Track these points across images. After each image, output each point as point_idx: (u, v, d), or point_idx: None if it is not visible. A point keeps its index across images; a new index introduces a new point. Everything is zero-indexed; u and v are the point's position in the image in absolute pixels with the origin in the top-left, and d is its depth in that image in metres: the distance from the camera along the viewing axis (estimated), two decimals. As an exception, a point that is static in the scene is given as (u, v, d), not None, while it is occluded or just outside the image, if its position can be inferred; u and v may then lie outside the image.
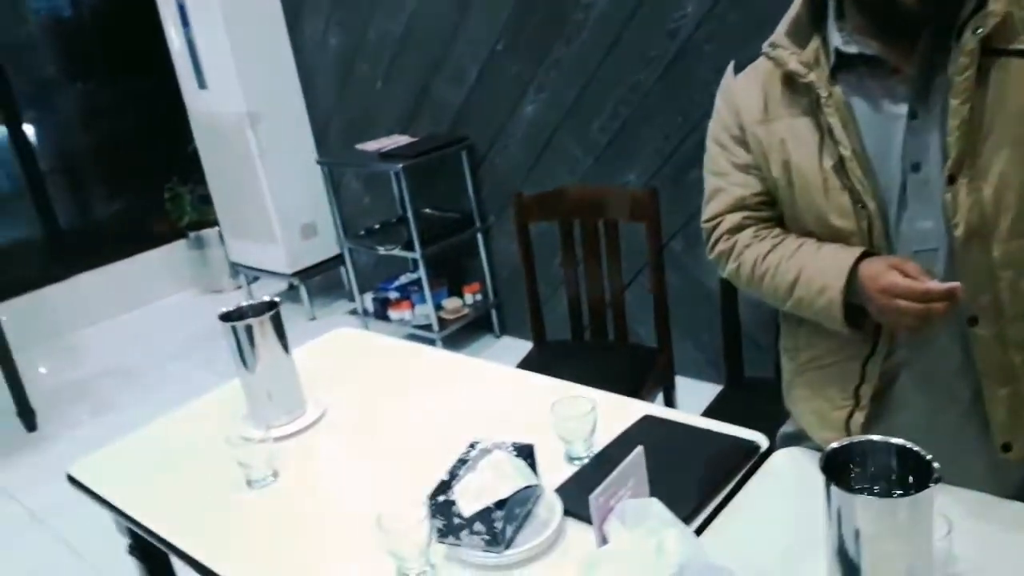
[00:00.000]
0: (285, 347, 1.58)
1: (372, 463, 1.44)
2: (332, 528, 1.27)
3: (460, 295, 3.51)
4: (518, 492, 1.12)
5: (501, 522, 1.09)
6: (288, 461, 1.46)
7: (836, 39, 1.11)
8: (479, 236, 3.44)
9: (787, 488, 1.20)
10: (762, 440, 1.30)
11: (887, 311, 1.05)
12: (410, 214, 3.21)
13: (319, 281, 4.28)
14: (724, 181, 1.28)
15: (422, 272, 3.31)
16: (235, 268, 4.60)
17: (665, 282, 2.17)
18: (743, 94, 1.23)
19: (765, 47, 1.17)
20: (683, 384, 2.40)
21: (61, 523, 2.75)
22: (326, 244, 4.21)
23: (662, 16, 2.56)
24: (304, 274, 4.13)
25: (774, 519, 1.13)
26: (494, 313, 3.58)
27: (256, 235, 4.15)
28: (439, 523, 1.11)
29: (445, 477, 1.16)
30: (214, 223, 4.78)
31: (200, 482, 1.47)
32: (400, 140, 3.41)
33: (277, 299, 1.60)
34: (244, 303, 1.60)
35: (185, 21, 3.78)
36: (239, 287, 4.76)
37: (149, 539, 1.39)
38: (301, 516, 1.32)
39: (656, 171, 2.75)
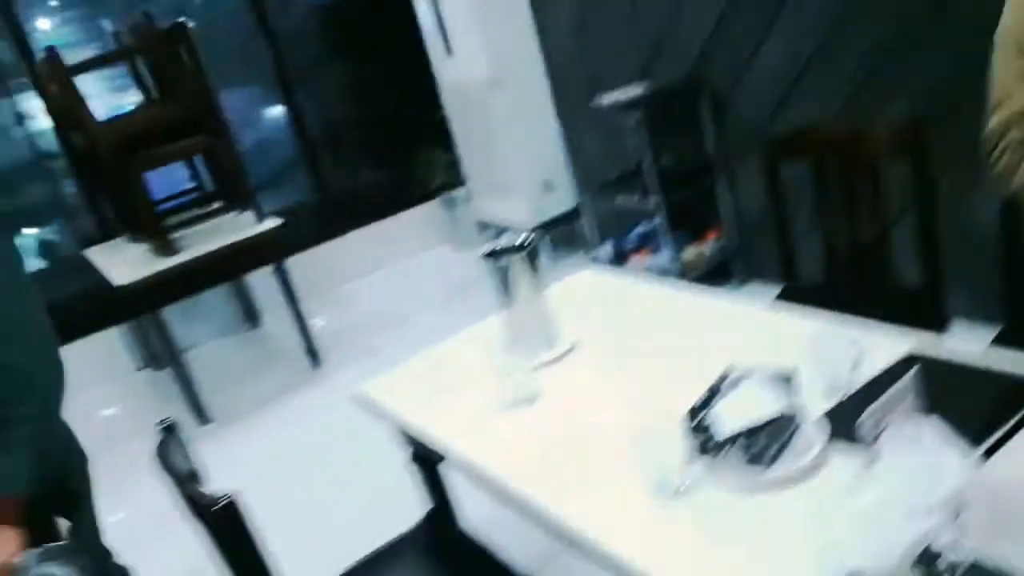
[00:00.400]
0: (539, 281, 1.68)
1: (626, 387, 1.50)
2: (593, 443, 1.35)
3: (699, 242, 3.46)
4: (778, 417, 1.12)
5: (761, 442, 1.10)
6: (545, 387, 1.56)
7: None
8: (720, 181, 3.36)
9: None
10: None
11: None
12: (648, 163, 3.21)
13: (560, 234, 4.42)
14: (1012, 89, 1.17)
15: (661, 219, 3.30)
16: (482, 225, 4.88)
17: (935, 220, 2.00)
18: None
19: None
20: (957, 327, 2.20)
21: (347, 442, 3.15)
22: (565, 198, 4.34)
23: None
24: (545, 227, 4.29)
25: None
26: (736, 260, 3.49)
27: (500, 192, 4.37)
28: (698, 439, 1.14)
29: (704, 397, 1.18)
30: (462, 184, 5.10)
31: (470, 401, 1.62)
32: (636, 89, 3.41)
33: (532, 235, 1.69)
34: (503, 243, 1.71)
35: (434, -6, 4.05)
36: (487, 242, 5.05)
37: (429, 448, 1.56)
38: (564, 433, 1.42)
39: (919, 107, 2.52)
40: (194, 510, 1.26)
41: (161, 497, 1.49)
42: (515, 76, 4.04)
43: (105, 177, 3.63)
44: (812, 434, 1.15)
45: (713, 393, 1.18)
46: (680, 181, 3.31)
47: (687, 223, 3.53)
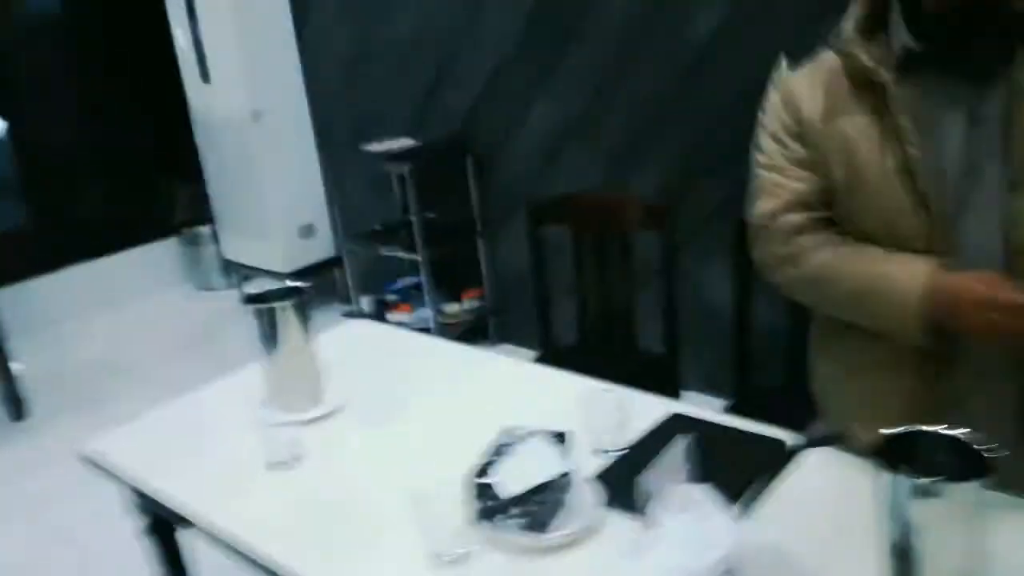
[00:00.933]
0: (308, 333, 1.58)
1: (398, 450, 1.44)
2: (360, 511, 1.27)
3: (459, 300, 3.51)
4: (557, 478, 1.13)
5: (542, 505, 1.09)
6: (311, 447, 1.45)
7: (904, 36, 1.10)
8: (480, 242, 3.45)
9: (825, 486, 1.20)
10: (788, 439, 1.31)
11: (981, 326, 1.04)
12: (414, 216, 3.22)
13: (313, 283, 4.25)
14: (781, 176, 1.24)
15: (423, 275, 3.31)
16: (228, 266, 4.57)
17: (674, 293, 2.20)
18: (803, 90, 1.21)
19: (833, 42, 1.17)
20: (688, 397, 2.41)
21: (61, 508, 2.70)
22: (323, 246, 4.20)
23: (678, 24, 2.60)
24: (300, 275, 4.11)
25: (813, 514, 1.14)
26: (491, 320, 3.59)
27: (253, 233, 4.13)
28: (479, 504, 1.11)
29: (482, 460, 1.16)
30: (207, 220, 4.76)
31: (221, 462, 1.46)
32: (406, 143, 3.42)
33: (305, 284, 1.59)
34: (269, 287, 1.59)
35: (192, 15, 3.78)
36: (232, 286, 4.74)
37: (171, 516, 1.37)
38: (328, 499, 1.32)
39: (666, 181, 2.78)
40: None
41: None
42: (277, 110, 3.87)
43: None
44: (587, 496, 1.16)
45: (493, 455, 1.17)
46: (444, 238, 3.35)
47: (448, 280, 3.57)
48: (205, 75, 3.87)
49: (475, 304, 3.52)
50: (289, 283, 1.59)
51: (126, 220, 4.82)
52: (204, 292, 4.79)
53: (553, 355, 2.36)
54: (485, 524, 1.12)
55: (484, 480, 1.12)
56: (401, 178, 3.59)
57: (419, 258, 3.29)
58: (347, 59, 3.73)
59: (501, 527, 1.11)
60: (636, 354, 2.32)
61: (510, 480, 1.11)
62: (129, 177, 4.86)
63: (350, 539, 1.21)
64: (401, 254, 3.39)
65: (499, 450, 1.17)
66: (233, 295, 4.61)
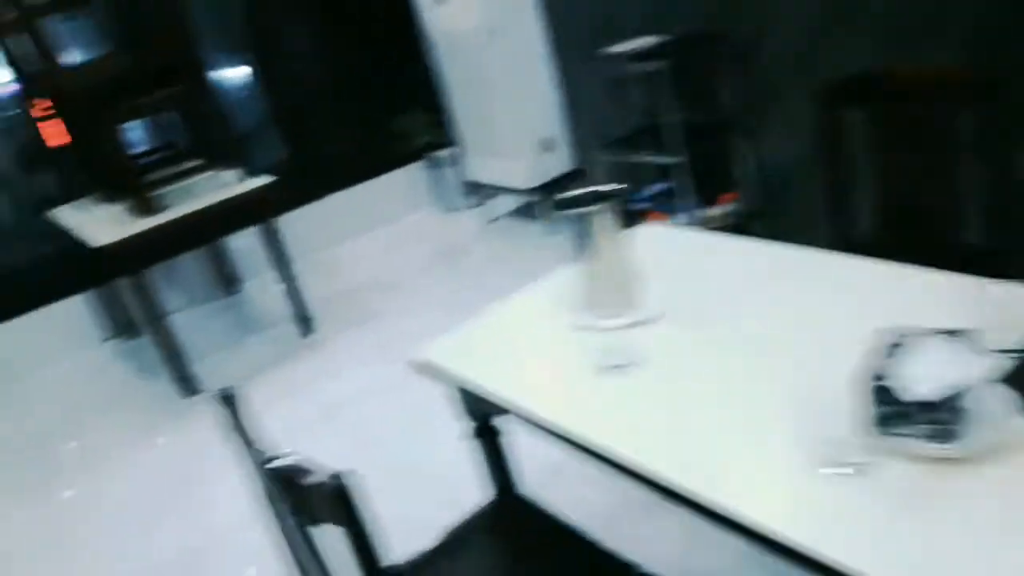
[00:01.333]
0: (622, 238, 1.52)
1: (745, 354, 1.34)
2: (722, 417, 1.20)
3: (714, 204, 3.34)
4: (966, 383, 0.99)
5: (952, 412, 0.97)
6: (644, 351, 1.40)
7: None
8: (738, 140, 3.24)
9: None
10: None
11: None
12: (668, 117, 3.05)
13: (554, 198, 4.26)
14: None
15: (676, 180, 3.16)
16: (471, 186, 4.69)
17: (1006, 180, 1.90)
18: None
19: None
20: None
21: (351, 415, 2.96)
22: (562, 159, 4.17)
23: None
24: (543, 189, 4.12)
25: None
26: (756, 221, 3.38)
27: (494, 151, 4.17)
28: (879, 410, 1.00)
29: (876, 363, 1.04)
30: (449, 144, 4.89)
31: (553, 365, 1.46)
32: (648, 41, 3.24)
33: (618, 187, 1.52)
34: (581, 190, 1.54)
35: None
36: (473, 206, 4.87)
37: (509, 415, 1.40)
38: (682, 404, 1.26)
39: (976, 51, 2.41)
40: (292, 488, 1.08)
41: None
42: (510, 26, 3.83)
43: (74, 131, 3.33)
44: (997, 403, 1.02)
45: (889, 357, 1.05)
46: (699, 138, 3.17)
47: (701, 184, 3.40)
48: (441, -3, 3.90)
49: (733, 207, 3.34)
50: (603, 187, 1.53)
51: (373, 149, 5.08)
52: (449, 213, 4.96)
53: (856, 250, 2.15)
54: (885, 431, 1.01)
55: (884, 383, 1.00)
56: (647, 79, 3.43)
57: (674, 160, 3.14)
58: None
59: (905, 435, 1.00)
60: (951, 248, 2.05)
61: (915, 384, 0.99)
62: (372, 107, 5.08)
63: (717, 445, 1.15)
64: (654, 158, 3.26)
65: (891, 351, 1.05)
66: (476, 214, 4.74)
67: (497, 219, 4.62)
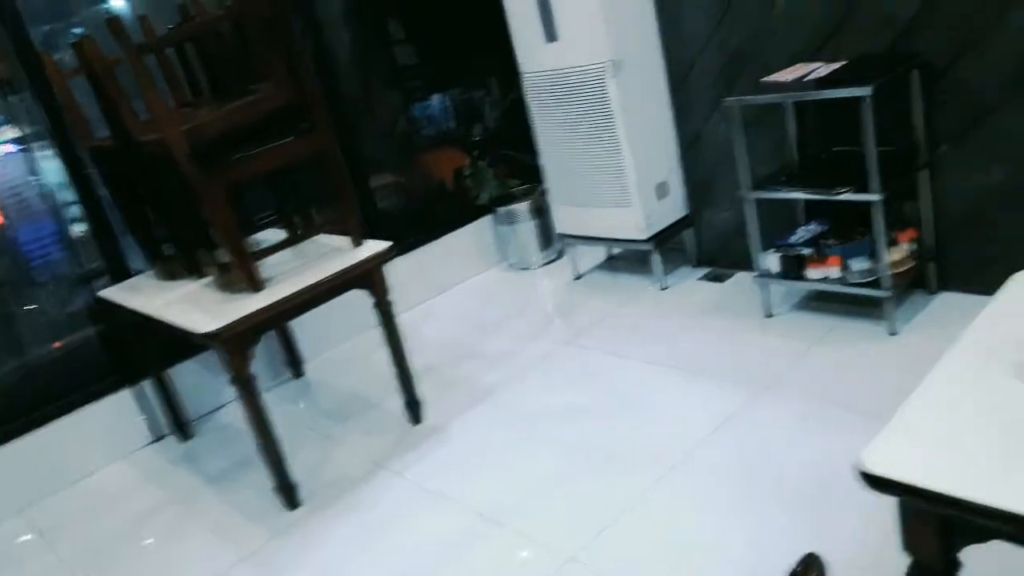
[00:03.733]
0: None
1: None
2: None
3: (895, 244, 2.97)
4: None
5: None
6: None
7: None
8: (924, 173, 2.89)
9: None
10: None
11: None
12: (868, 151, 2.67)
13: (665, 247, 3.85)
14: None
15: (879, 217, 2.76)
16: (547, 240, 4.28)
17: None
18: None
19: None
20: None
21: (522, 527, 2.44)
22: (677, 205, 3.79)
23: None
24: (658, 238, 3.71)
25: None
26: (931, 266, 3.03)
27: (604, 201, 3.75)
28: None
29: None
30: (517, 196, 4.49)
31: None
32: (817, 68, 2.90)
33: None
34: None
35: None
36: (548, 261, 4.46)
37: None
38: None
39: None
40: None
41: None
42: (633, 61, 3.46)
43: (160, 195, 2.81)
44: None
45: None
46: (889, 173, 2.80)
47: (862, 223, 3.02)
48: (551, 34, 3.51)
49: (912, 247, 2.97)
50: None
51: (438, 206, 4.65)
52: (523, 269, 4.52)
53: None
54: None
55: None
56: (803, 111, 3.10)
57: (873, 198, 2.72)
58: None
59: None
60: None
61: None
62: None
63: None
64: (849, 196, 2.81)
65: None
66: (554, 271, 4.32)
67: (581, 276, 4.19)
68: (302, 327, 3.78)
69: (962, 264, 2.97)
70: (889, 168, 2.76)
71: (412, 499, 2.70)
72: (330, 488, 2.88)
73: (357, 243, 2.92)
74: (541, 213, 4.39)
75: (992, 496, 1.04)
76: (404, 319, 4.16)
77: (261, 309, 2.61)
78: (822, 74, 2.80)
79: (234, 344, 2.57)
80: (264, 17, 2.61)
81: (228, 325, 2.51)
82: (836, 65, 2.85)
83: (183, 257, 2.98)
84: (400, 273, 4.30)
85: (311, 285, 2.70)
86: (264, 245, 2.90)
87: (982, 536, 1.14)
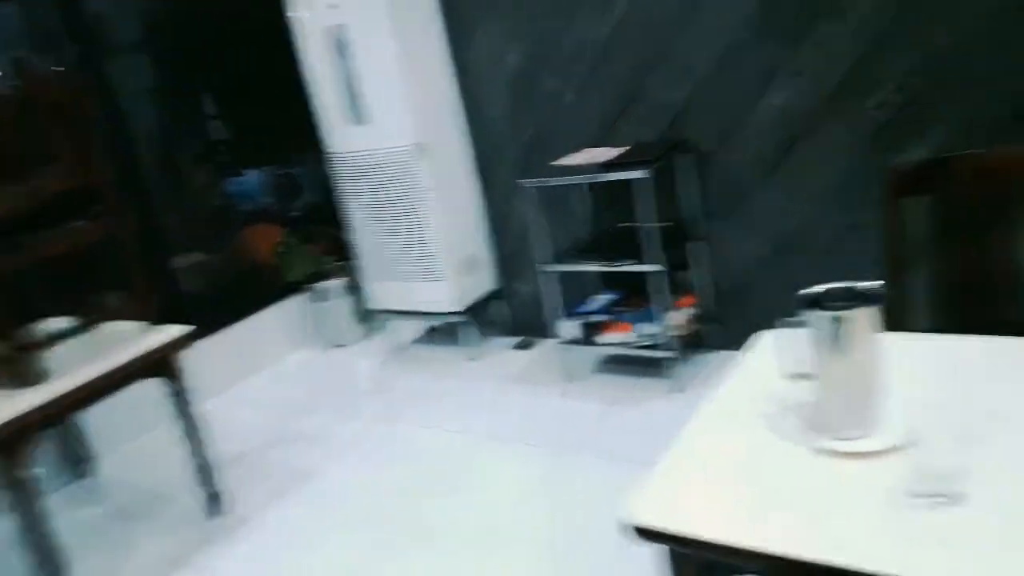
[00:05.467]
0: (878, 346, 1.31)
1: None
2: None
3: (679, 307, 3.25)
4: None
5: None
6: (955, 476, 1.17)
7: None
8: (698, 244, 3.21)
9: None
10: None
11: None
12: (646, 225, 2.95)
13: (473, 319, 3.97)
14: None
15: (658, 286, 3.03)
16: (365, 316, 4.28)
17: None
18: None
19: None
20: None
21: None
22: (487, 278, 3.93)
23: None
24: (470, 311, 3.82)
25: None
26: (707, 328, 3.34)
27: (414, 275, 3.82)
28: None
29: None
30: (329, 273, 4.46)
31: (821, 500, 1.18)
32: (603, 152, 3.17)
33: (877, 287, 1.31)
34: (827, 288, 1.32)
35: (341, 52, 3.52)
36: (364, 337, 4.44)
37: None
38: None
39: (954, 146, 2.57)
40: None
41: None
42: (438, 143, 3.61)
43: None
44: None
45: None
46: (668, 246, 3.09)
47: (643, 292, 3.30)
48: (359, 117, 3.59)
49: (691, 312, 3.27)
50: (857, 285, 1.32)
51: (242, 285, 4.51)
52: (338, 347, 4.46)
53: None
54: None
55: None
56: (596, 190, 3.36)
57: (654, 268, 2.99)
58: (519, 76, 3.48)
59: None
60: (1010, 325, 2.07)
61: None
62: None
63: None
64: (630, 267, 3.08)
65: None
66: (370, 347, 4.32)
67: (398, 350, 4.22)
68: (95, 420, 3.50)
69: (736, 324, 3.29)
70: (669, 241, 3.05)
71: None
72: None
73: (150, 328, 2.77)
74: (356, 289, 4.38)
75: (744, 538, 1.16)
76: (214, 404, 4.00)
77: (37, 407, 2.40)
78: (606, 158, 3.06)
79: (4, 447, 2.33)
80: (55, 101, 2.50)
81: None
82: (619, 150, 3.14)
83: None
84: (209, 355, 4.13)
85: (97, 377, 2.53)
86: (51, 333, 2.69)
87: (736, 572, 1.26)
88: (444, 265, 3.71)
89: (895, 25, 2.58)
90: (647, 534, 1.25)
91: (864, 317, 1.27)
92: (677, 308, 3.22)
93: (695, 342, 3.30)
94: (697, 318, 3.27)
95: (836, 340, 1.28)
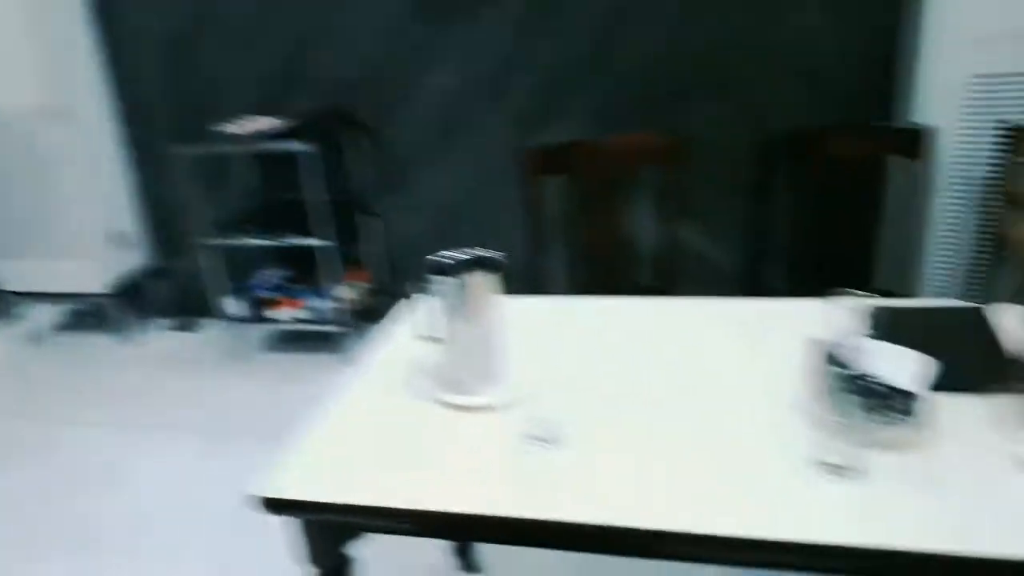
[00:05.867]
0: (497, 307, 1.40)
1: (664, 405, 1.35)
2: (685, 454, 1.19)
3: (351, 281, 3.25)
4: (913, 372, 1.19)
5: (909, 397, 1.15)
6: (556, 421, 1.31)
7: None
8: (367, 219, 3.23)
9: None
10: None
11: None
12: (311, 198, 2.89)
13: (126, 300, 3.61)
14: None
15: (330, 258, 2.99)
16: (6, 298, 3.69)
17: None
18: None
19: None
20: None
21: None
22: (141, 255, 3.58)
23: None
24: (120, 291, 3.46)
25: None
26: (386, 300, 3.38)
27: (51, 252, 3.36)
28: (866, 402, 1.13)
29: (836, 369, 1.16)
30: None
31: (451, 455, 1.25)
32: (265, 122, 3.04)
33: (497, 254, 1.40)
34: (453, 255, 1.38)
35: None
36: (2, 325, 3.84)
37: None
38: (616, 461, 1.21)
39: (589, 131, 2.86)
40: None
41: None
42: (75, 108, 3.18)
43: None
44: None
45: (835, 362, 1.17)
46: (326, 218, 3.06)
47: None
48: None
49: (364, 286, 3.29)
50: (479, 251, 1.39)
51: None
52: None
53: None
54: (870, 421, 1.14)
55: (860, 378, 1.13)
56: (259, 162, 3.21)
57: (324, 243, 2.95)
58: (171, 43, 3.18)
59: (890, 422, 1.14)
60: (630, 287, 2.37)
61: (884, 375, 1.15)
62: None
63: (679, 489, 1.13)
64: (294, 241, 3.00)
65: (834, 357, 1.18)
66: (6, 336, 3.74)
67: (38, 338, 3.70)
68: None
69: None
70: (340, 216, 3.02)
71: None
72: None
73: None
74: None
75: (370, 498, 1.18)
76: None
77: None
78: (270, 128, 2.93)
79: None
80: None
81: None
82: (283, 121, 3.02)
83: None
84: None
85: None
86: None
87: (361, 531, 1.29)
88: (86, 241, 3.31)
89: (541, 19, 2.80)
90: (276, 505, 1.23)
91: (483, 281, 1.36)
92: (350, 282, 3.22)
93: (370, 315, 3.32)
94: (371, 291, 3.30)
95: (458, 304, 1.35)
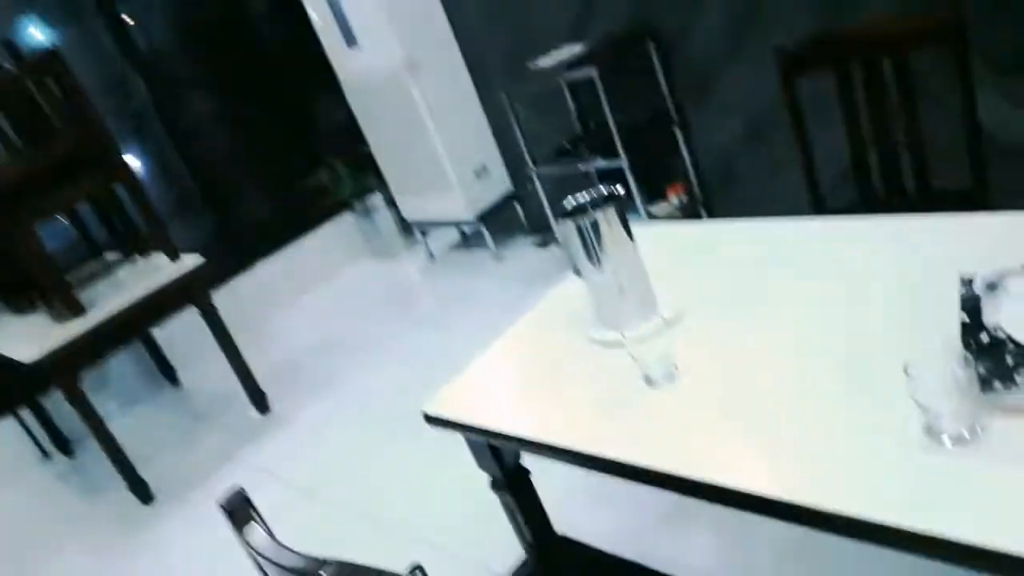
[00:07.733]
0: (631, 237, 1.41)
1: (797, 340, 1.24)
2: (797, 405, 1.09)
3: (664, 198, 3.29)
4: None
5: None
6: (682, 358, 1.28)
7: None
8: (678, 133, 3.20)
9: None
10: None
11: None
12: (610, 121, 2.98)
13: (497, 221, 4.14)
14: None
15: (629, 177, 3.09)
16: (408, 226, 4.55)
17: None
18: None
19: None
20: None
21: (330, 495, 2.75)
22: (498, 184, 4.08)
23: None
24: (485, 216, 4.01)
25: None
26: (703, 212, 3.35)
27: (428, 188, 4.04)
28: (984, 368, 0.91)
29: (965, 318, 0.95)
30: (373, 189, 4.73)
31: (582, 389, 1.33)
32: (574, 49, 3.18)
33: (619, 188, 1.41)
34: (583, 197, 1.43)
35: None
36: (409, 248, 4.73)
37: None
38: (741, 405, 1.15)
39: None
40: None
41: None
42: (429, 57, 3.73)
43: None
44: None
45: (976, 306, 0.95)
46: (640, 136, 3.11)
47: (647, 181, 3.34)
48: (350, 39, 3.76)
49: (684, 198, 3.29)
50: (604, 189, 1.42)
51: (297, 208, 4.88)
52: (387, 258, 4.79)
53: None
54: (995, 389, 0.91)
55: (988, 337, 0.91)
56: (578, 87, 3.38)
57: (617, 164, 3.07)
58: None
59: (1016, 390, 0.90)
60: (943, 193, 2.01)
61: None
62: (291, 165, 4.91)
63: (801, 442, 1.04)
64: (596, 164, 3.18)
65: (978, 300, 0.95)
66: (415, 254, 4.60)
67: (435, 256, 4.48)
68: (173, 340, 4.06)
69: (725, 208, 3.30)
70: (646, 133, 3.07)
71: (246, 483, 2.99)
72: (182, 483, 3.18)
73: (169, 263, 3.17)
74: (394, 203, 4.65)
75: (512, 427, 1.34)
76: (279, 317, 4.49)
77: (81, 335, 2.88)
78: (568, 57, 3.08)
79: (59, 368, 2.83)
80: (55, 72, 2.86)
81: (50, 353, 2.78)
82: (583, 47, 3.14)
83: (15, 293, 3.23)
84: (272, 274, 4.61)
85: (127, 306, 2.96)
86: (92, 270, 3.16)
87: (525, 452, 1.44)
88: (452, 175, 3.88)
89: None
90: (432, 420, 1.46)
91: (609, 217, 1.37)
92: (666, 197, 3.26)
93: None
94: (689, 203, 3.29)
95: (587, 243, 1.39)
